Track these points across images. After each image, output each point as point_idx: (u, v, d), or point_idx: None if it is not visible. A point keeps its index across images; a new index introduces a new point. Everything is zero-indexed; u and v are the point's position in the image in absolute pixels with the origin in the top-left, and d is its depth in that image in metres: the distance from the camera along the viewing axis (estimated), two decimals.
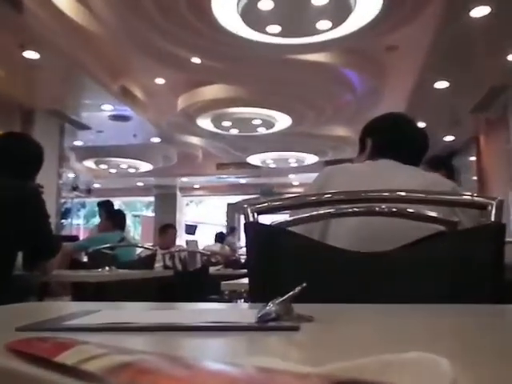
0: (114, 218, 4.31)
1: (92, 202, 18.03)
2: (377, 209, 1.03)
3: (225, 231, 10.58)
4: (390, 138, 1.50)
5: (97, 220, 4.82)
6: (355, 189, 1.02)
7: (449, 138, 8.53)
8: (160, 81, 6.97)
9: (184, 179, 13.80)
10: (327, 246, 1.06)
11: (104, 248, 3.38)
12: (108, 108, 7.23)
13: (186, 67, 6.21)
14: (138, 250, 4.62)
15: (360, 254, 1.01)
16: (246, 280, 1.48)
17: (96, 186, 13.79)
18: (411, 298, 0.83)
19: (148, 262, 3.76)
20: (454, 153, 9.10)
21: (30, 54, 5.38)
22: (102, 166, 11.32)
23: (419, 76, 5.99)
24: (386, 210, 1.03)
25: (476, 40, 5.00)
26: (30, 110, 7.04)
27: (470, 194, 0.98)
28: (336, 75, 6.39)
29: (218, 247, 7.65)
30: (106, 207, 4.56)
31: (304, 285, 0.54)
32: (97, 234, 4.42)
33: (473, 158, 8.44)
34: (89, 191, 13.28)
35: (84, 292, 2.87)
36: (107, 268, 2.87)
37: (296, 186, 13.92)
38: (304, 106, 7.38)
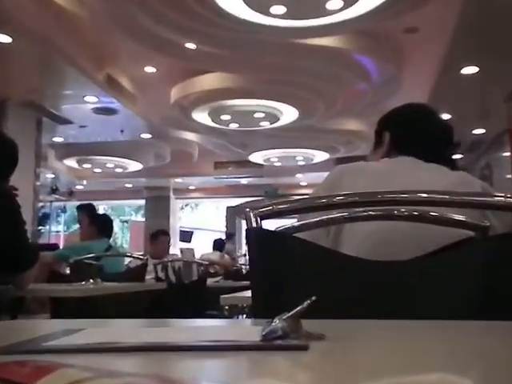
0: (98, 224, 4.32)
1: (74, 205, 18.07)
2: (396, 212, 1.03)
3: (224, 238, 10.58)
4: (411, 132, 1.50)
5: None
6: (371, 190, 1.02)
7: (478, 131, 8.51)
8: (150, 69, 7.00)
9: (178, 180, 13.83)
10: (340, 254, 1.07)
11: (88, 258, 3.39)
12: (92, 100, 7.25)
13: (179, 54, 6.23)
14: (127, 260, 4.61)
15: (377, 263, 1.01)
16: (248, 293, 1.48)
17: (78, 187, 13.83)
18: (434, 313, 0.83)
19: (138, 273, 3.76)
20: (485, 147, 9.08)
21: (1, 38, 5.35)
22: (86, 166, 11.36)
23: (443, 61, 5.98)
24: (406, 213, 1.04)
25: (509, 18, 4.95)
26: (1, 101, 7.03)
27: (503, 194, 0.97)
28: (348, 61, 6.40)
29: (216, 256, 7.65)
30: (88, 211, 4.57)
31: (314, 298, 0.54)
32: (79, 242, 4.43)
33: (507, 154, 8.34)
34: (70, 194, 13.31)
35: (65, 308, 2.88)
36: (91, 281, 2.88)
37: (304, 187, 13.92)
38: (313, 96, 7.39)
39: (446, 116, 7.06)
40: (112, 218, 4.68)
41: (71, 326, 0.69)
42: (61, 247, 5.48)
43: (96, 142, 9.66)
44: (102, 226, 4.34)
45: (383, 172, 1.36)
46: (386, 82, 6.92)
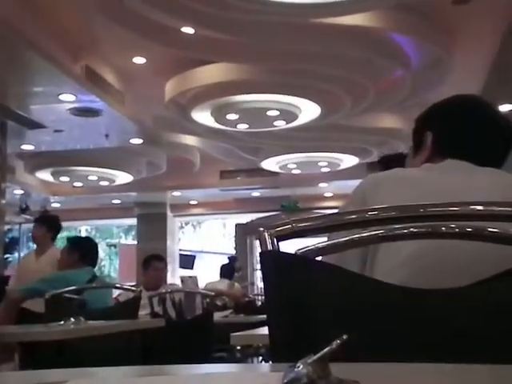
0: (80, 250, 4.34)
1: None
2: (444, 229, 1.03)
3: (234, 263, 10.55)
4: (460, 131, 1.50)
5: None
6: (412, 202, 1.03)
7: None
8: (140, 60, 7.05)
9: (176, 193, 13.87)
10: (375, 281, 1.07)
11: (67, 291, 3.40)
12: (68, 98, 7.28)
13: (174, 40, 6.28)
14: (115, 293, 4.62)
15: (422, 292, 1.01)
16: (264, 330, 1.48)
17: (54, 205, 13.91)
18: (492, 354, 0.83)
19: (129, 308, 3.76)
20: None
21: None
22: (63, 179, 11.44)
23: (502, 40, 5.94)
24: (457, 230, 1.03)
25: None
26: None
27: None
28: (382, 43, 6.41)
29: (224, 285, 7.64)
30: (50, 223, 4.58)
31: (345, 337, 0.54)
32: (56, 273, 4.45)
33: None
34: (44, 213, 13.40)
35: (40, 355, 2.89)
36: (72, 319, 2.89)
37: (329, 199, 13.89)
38: (338, 88, 7.40)
39: (506, 107, 7.02)
40: (97, 241, 4.71)
41: (48, 378, 0.69)
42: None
43: (75, 150, 9.72)
44: (84, 251, 4.35)
45: (426, 180, 1.36)
46: (429, 68, 6.91)
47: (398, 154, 3.74)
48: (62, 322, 2.87)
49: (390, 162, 3.29)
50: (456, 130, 1.51)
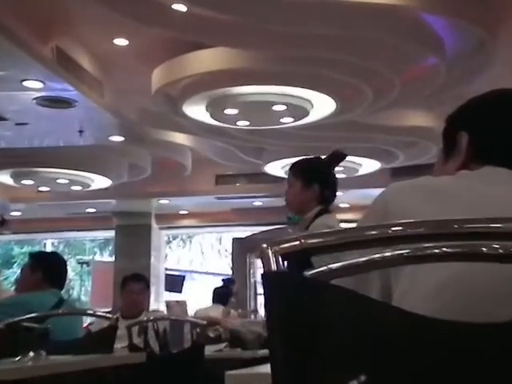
0: (44, 268, 4.34)
1: (6, 241, 17.95)
2: (484, 249, 1.03)
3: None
4: (503, 132, 1.51)
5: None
6: (444, 217, 1.03)
7: None
8: (121, 41, 7.07)
9: (163, 201, 13.90)
10: (401, 311, 1.07)
11: (27, 319, 3.39)
12: (34, 85, 7.28)
13: (163, 19, 6.29)
14: (87, 321, 4.61)
15: (458, 325, 1.01)
16: (265, 368, 1.48)
17: (14, 214, 13.94)
18: None
19: (103, 340, 3.77)
20: None
21: None
22: (26, 182, 11.45)
23: None
24: (500, 251, 1.04)
25: None
26: None
27: None
28: (413, 26, 6.42)
29: (218, 312, 7.64)
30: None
31: (363, 378, 0.55)
32: (14, 296, 4.45)
33: None
34: (1, 223, 13.39)
35: None
36: (31, 354, 2.87)
37: (345, 211, 13.88)
38: (357, 79, 7.41)
39: None
40: (65, 257, 4.71)
41: None
42: None
43: (42, 148, 9.75)
44: (49, 270, 4.36)
45: (460, 191, 1.36)
46: (468, 55, 6.92)
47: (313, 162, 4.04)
48: (19, 358, 2.83)
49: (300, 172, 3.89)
50: (497, 131, 1.51)
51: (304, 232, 3.71)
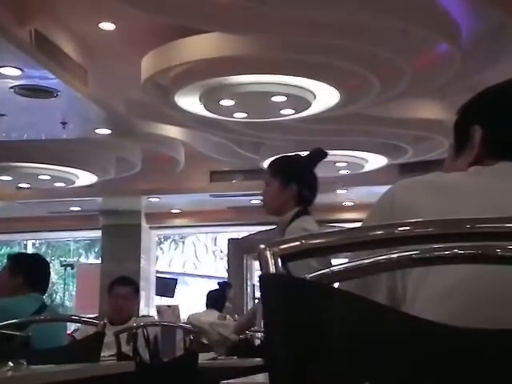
0: (25, 272, 4.34)
1: None
2: (499, 251, 1.04)
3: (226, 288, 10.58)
4: None
5: None
6: (452, 214, 1.03)
7: None
8: (108, 26, 7.05)
9: (154, 199, 13.90)
10: (409, 317, 1.07)
11: (7, 326, 3.39)
12: (12, 72, 7.21)
13: (153, 1, 6.28)
14: (72, 327, 4.61)
15: (471, 332, 1.01)
16: (263, 377, 1.49)
17: None
18: None
19: (89, 348, 3.77)
20: None
21: None
22: (3, 178, 11.44)
23: None
24: None
25: None
26: None
27: None
28: (423, 8, 6.40)
29: (213, 317, 7.66)
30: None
31: None
32: None
33: None
34: None
35: None
36: (10, 364, 2.87)
37: (349, 210, 13.94)
38: (363, 68, 7.39)
39: None
40: (48, 260, 4.71)
41: None
42: None
43: (21, 141, 9.74)
44: (30, 273, 4.36)
45: (473, 188, 1.37)
46: (485, 41, 6.90)
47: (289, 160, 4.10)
48: None
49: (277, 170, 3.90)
50: None
51: (281, 235, 3.75)
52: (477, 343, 1.00)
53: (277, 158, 4.18)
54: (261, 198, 4.09)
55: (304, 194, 3.88)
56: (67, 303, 17.73)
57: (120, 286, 5.81)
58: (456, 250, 1.03)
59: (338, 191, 12.95)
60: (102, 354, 3.82)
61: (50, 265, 4.60)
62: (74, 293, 16.72)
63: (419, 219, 1.04)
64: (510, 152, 1.46)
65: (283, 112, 8.61)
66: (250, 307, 13.80)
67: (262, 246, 1.01)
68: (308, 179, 3.98)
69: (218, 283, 11.15)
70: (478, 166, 1.48)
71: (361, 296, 1.05)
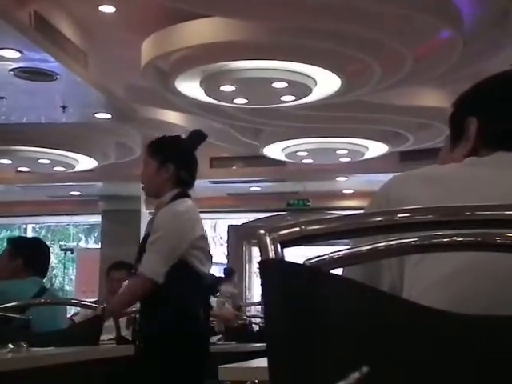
0: (25, 255, 4.34)
1: None
2: (498, 239, 1.04)
3: (224, 274, 10.62)
4: None
5: None
6: (441, 201, 1.03)
7: None
8: (108, 8, 7.03)
9: None
10: (408, 303, 1.08)
11: (7, 309, 3.40)
12: (11, 55, 7.13)
13: None
14: (71, 311, 4.61)
15: (468, 318, 1.02)
16: (262, 362, 1.50)
17: None
18: None
19: (88, 331, 3.77)
20: None
21: None
22: (3, 161, 11.41)
23: None
24: None
25: None
26: None
27: None
28: None
29: (212, 303, 7.67)
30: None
31: (365, 369, 0.56)
32: None
33: None
34: None
35: None
36: (11, 346, 2.88)
37: (349, 198, 13.93)
38: (364, 54, 7.38)
39: None
40: (47, 244, 4.71)
41: None
42: None
43: (20, 124, 9.71)
44: (30, 257, 4.36)
45: (465, 177, 1.37)
46: (488, 28, 6.86)
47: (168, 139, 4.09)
48: None
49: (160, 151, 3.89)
50: (509, 115, 1.51)
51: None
52: (475, 330, 1.01)
53: (155, 139, 4.13)
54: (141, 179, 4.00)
55: (182, 175, 3.88)
56: (67, 287, 17.75)
57: (114, 270, 5.82)
58: (455, 238, 1.04)
59: (338, 178, 12.95)
60: (102, 338, 3.83)
61: (50, 249, 4.60)
62: (73, 277, 16.75)
63: (418, 206, 1.04)
64: (505, 142, 1.46)
65: (283, 98, 8.60)
66: (248, 294, 13.84)
67: (262, 232, 1.01)
68: (187, 161, 4.01)
69: (224, 269, 11.18)
70: (473, 157, 1.49)
71: (359, 282, 1.06)
